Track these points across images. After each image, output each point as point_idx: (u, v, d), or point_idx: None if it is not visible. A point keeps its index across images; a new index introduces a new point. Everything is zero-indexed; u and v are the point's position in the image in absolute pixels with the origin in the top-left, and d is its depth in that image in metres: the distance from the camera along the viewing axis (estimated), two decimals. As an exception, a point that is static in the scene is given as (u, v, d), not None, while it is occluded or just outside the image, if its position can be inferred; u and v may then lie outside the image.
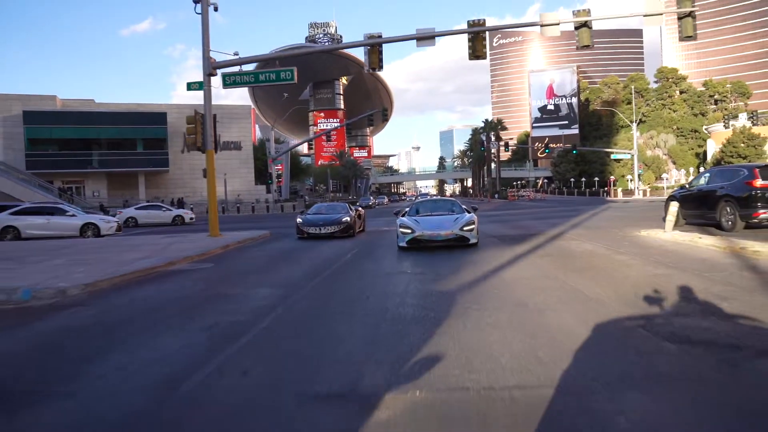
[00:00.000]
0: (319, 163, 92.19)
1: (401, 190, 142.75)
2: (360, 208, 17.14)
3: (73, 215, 18.18)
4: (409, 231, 10.12)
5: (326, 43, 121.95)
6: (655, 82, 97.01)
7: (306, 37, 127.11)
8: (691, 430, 2.47)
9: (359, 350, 3.90)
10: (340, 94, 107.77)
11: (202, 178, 62.66)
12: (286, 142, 80.00)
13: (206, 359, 3.74)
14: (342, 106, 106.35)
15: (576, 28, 13.96)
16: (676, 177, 76.89)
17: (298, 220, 14.98)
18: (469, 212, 11.16)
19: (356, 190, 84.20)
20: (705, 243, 8.62)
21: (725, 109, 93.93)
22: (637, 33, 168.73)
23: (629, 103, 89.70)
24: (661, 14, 13.32)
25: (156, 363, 3.75)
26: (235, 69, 15.82)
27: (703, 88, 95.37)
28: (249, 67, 18.06)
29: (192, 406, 2.98)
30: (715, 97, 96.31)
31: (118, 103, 60.78)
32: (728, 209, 10.33)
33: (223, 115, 61.63)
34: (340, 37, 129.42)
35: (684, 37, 13.27)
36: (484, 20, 14.21)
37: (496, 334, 4.15)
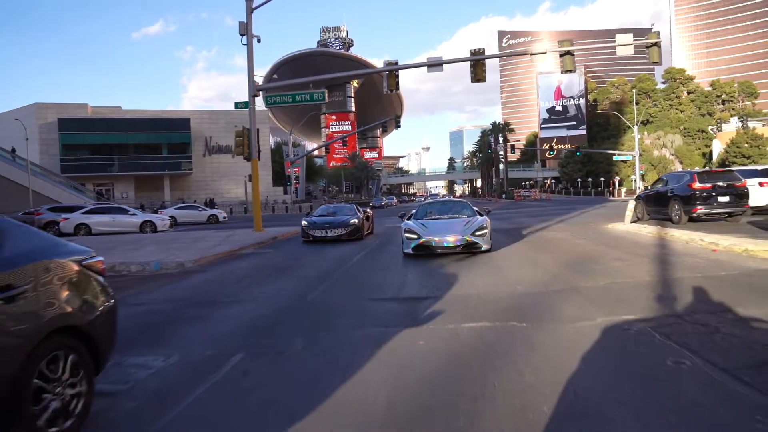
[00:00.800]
0: (331, 164, 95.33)
1: (411, 191, 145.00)
2: (369, 210, 16.77)
3: (134, 214, 21.35)
4: (415, 236, 9.56)
5: (338, 47, 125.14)
6: (663, 82, 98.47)
7: (318, 42, 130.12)
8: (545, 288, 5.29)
9: (397, 284, 6.81)
10: (352, 97, 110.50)
11: (224, 180, 64.64)
12: (301, 145, 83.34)
13: (312, 289, 6.70)
14: (353, 109, 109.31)
15: (561, 56, 16.73)
16: (681, 176, 78.15)
17: (303, 222, 14.44)
18: (481, 215, 10.57)
19: (368, 191, 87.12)
20: (646, 231, 11.41)
21: (732, 109, 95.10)
22: (647, 32, 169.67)
23: (637, 103, 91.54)
24: (631, 44, 16.03)
25: (282, 291, 6.72)
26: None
27: (710, 88, 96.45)
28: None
29: (316, 304, 5.93)
30: (723, 97, 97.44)
31: (143, 109, 64.12)
32: (676, 206, 13.02)
33: (243, 121, 65.25)
34: (351, 40, 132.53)
35: (652, 63, 15.96)
36: (484, 49, 17.03)
37: (478, 279, 7.02)
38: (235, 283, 7.68)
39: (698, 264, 7.08)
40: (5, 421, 2.41)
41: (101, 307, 3.13)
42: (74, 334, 2.86)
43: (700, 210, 12.38)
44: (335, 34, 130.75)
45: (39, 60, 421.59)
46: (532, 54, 16.45)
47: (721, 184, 12.38)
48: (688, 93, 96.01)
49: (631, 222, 13.56)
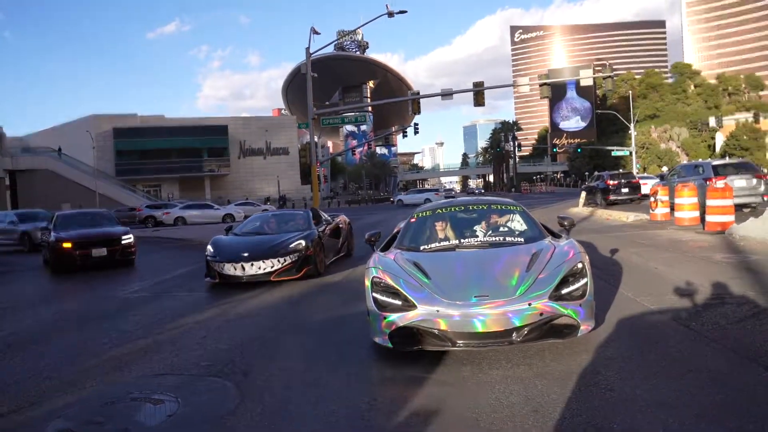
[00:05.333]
0: (357, 154, 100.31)
1: (426, 186, 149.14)
2: (341, 218, 11.17)
3: (218, 209, 27.90)
4: (398, 303, 3.94)
5: (354, 50, 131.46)
6: (670, 77, 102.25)
7: (335, 45, 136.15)
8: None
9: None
10: (368, 97, 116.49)
11: (257, 179, 71.51)
12: (325, 146, 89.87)
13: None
14: (369, 109, 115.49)
15: (540, 85, 22.51)
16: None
17: (209, 249, 8.64)
18: (556, 236, 5.02)
19: (386, 188, 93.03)
20: (585, 210, 17.49)
21: (738, 102, 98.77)
22: (660, 24, 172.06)
23: (645, 97, 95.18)
24: (591, 77, 21.76)
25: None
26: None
27: (715, 81, 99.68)
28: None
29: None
30: (729, 90, 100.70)
31: (184, 117, 71.08)
32: (600, 195, 19.27)
33: (272, 125, 71.91)
34: (367, 43, 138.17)
35: (606, 90, 21.64)
36: (483, 82, 22.89)
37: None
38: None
39: (589, 223, 13.05)
40: None
41: None
42: None
43: (612, 197, 18.90)
44: (351, 37, 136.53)
45: (49, 64, 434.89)
46: (518, 86, 22.31)
47: (623, 181, 18.73)
48: (695, 87, 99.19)
49: (586, 206, 19.63)
